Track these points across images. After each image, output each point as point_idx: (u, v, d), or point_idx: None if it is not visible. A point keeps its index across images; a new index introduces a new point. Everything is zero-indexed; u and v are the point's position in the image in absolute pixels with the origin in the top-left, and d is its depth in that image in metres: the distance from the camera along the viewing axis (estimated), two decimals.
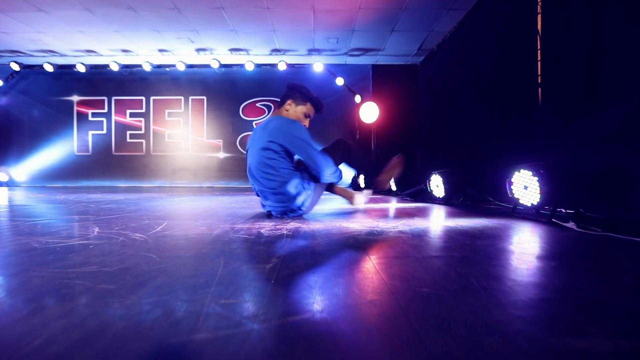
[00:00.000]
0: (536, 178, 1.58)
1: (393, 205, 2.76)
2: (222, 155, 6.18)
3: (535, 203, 1.63)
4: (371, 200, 3.24)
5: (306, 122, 1.78)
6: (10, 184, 6.08)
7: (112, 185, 6.11)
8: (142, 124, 6.18)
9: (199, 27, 4.56)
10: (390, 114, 5.82)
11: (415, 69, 5.94)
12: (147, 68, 5.76)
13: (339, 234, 1.36)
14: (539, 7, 2.92)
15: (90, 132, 6.18)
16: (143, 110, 6.18)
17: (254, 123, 6.10)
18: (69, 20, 4.34)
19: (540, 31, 2.90)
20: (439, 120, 4.92)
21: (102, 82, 6.11)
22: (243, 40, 5.00)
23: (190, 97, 6.16)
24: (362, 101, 5.79)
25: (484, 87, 3.56)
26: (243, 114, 6.11)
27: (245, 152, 5.94)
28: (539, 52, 2.91)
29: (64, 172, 6.16)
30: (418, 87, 5.90)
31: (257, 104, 6.10)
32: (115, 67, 5.69)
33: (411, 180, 3.57)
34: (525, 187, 1.69)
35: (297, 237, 1.28)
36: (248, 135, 6.12)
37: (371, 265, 0.89)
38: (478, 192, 2.69)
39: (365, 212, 2.16)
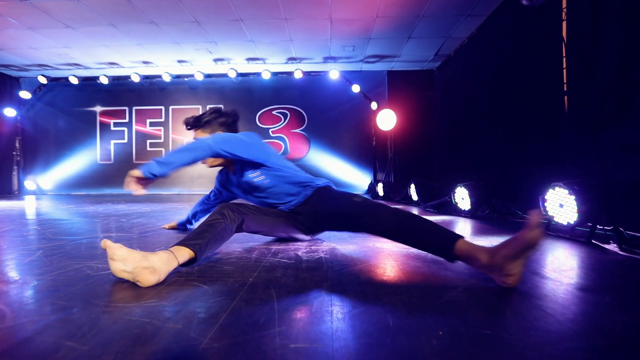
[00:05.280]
0: (573, 197, 1.56)
1: None
2: None
3: (571, 222, 1.60)
4: None
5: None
6: (37, 192, 6.31)
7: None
8: (162, 133, 6.33)
9: (218, 38, 4.65)
10: (407, 120, 5.80)
11: (432, 75, 5.90)
12: (166, 78, 5.90)
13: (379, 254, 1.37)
14: (563, 14, 2.86)
15: (112, 141, 6.37)
16: (162, 120, 6.33)
17: (270, 130, 6.16)
18: (94, 35, 4.49)
19: (565, 38, 2.84)
20: (457, 126, 4.87)
21: (124, 93, 6.30)
22: (260, 50, 5.07)
23: (208, 106, 6.27)
24: (379, 108, 5.78)
25: (504, 93, 3.51)
26: (259, 122, 6.18)
27: None
28: (564, 59, 2.85)
29: (88, 180, 6.36)
30: (435, 93, 5.85)
31: (274, 112, 6.16)
32: (136, 78, 5.85)
33: (433, 189, 3.55)
34: (561, 205, 1.66)
35: (336, 262, 1.30)
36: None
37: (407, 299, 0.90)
38: (503, 204, 2.65)
39: None
